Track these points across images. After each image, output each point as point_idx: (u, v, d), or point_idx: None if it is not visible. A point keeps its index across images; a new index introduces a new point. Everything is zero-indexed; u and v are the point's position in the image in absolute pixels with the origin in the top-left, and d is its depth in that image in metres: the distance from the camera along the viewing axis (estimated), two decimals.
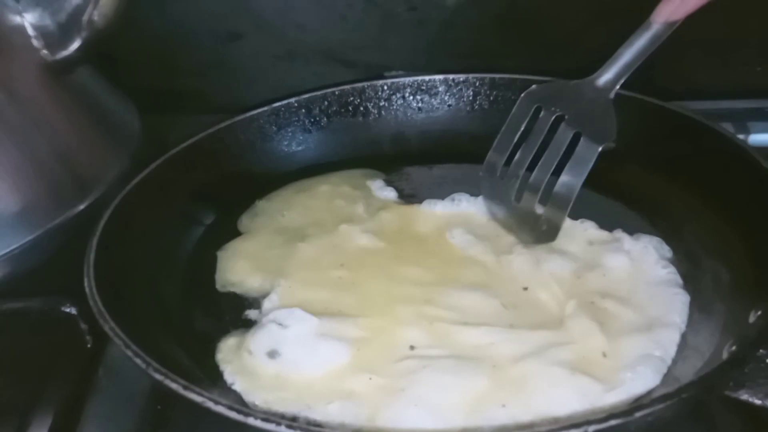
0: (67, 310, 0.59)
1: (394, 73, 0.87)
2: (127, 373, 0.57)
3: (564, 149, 0.62)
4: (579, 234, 0.65)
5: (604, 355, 0.51)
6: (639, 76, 0.94)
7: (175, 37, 0.92)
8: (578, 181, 0.60)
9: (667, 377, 0.50)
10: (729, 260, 0.59)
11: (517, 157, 0.66)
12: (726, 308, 0.54)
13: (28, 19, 0.64)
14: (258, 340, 0.55)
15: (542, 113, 0.65)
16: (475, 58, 0.94)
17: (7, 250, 0.61)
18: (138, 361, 0.47)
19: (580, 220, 0.66)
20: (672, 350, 0.52)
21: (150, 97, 0.84)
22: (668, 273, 0.59)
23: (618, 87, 0.64)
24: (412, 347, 0.54)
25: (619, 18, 0.92)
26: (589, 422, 0.39)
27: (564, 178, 0.61)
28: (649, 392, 0.49)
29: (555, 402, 0.48)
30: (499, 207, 0.68)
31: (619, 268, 0.60)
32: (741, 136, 0.92)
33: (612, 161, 0.63)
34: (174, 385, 0.44)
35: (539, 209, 0.64)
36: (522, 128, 0.66)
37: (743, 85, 0.98)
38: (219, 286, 0.64)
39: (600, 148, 0.59)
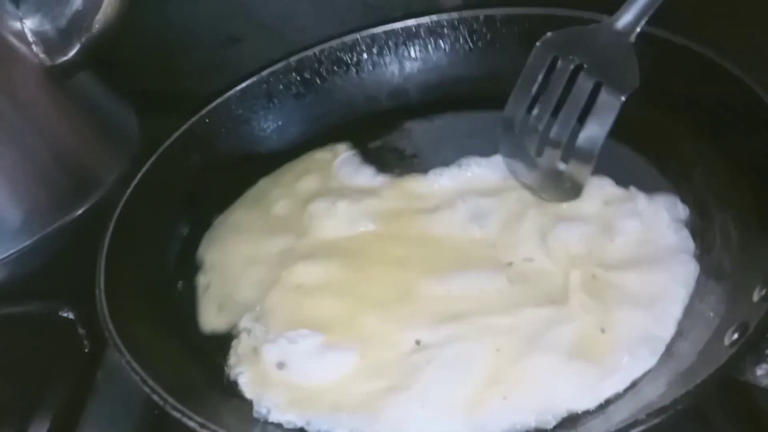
0: (65, 314, 0.59)
1: None
2: (124, 377, 0.57)
3: (585, 100, 0.58)
4: (596, 192, 0.61)
5: (603, 330, 0.51)
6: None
7: (175, 39, 0.93)
8: (602, 134, 0.56)
9: (664, 356, 0.49)
10: (738, 218, 0.55)
11: (535, 111, 0.62)
12: (732, 281, 0.52)
13: (28, 25, 0.65)
14: (268, 352, 0.55)
15: (559, 63, 0.60)
16: None
17: (7, 254, 0.62)
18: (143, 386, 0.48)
19: (597, 177, 0.62)
20: (672, 327, 0.51)
21: (149, 99, 0.84)
22: (680, 238, 0.56)
23: (639, 29, 0.58)
24: (417, 342, 0.53)
25: None
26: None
27: (586, 131, 0.57)
28: (646, 373, 0.48)
29: (554, 392, 0.48)
30: (519, 165, 0.63)
31: (630, 232, 0.57)
32: None
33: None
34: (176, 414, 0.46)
35: (562, 165, 0.60)
36: (539, 80, 0.61)
37: None
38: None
39: (624, 98, 0.56)
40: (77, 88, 0.74)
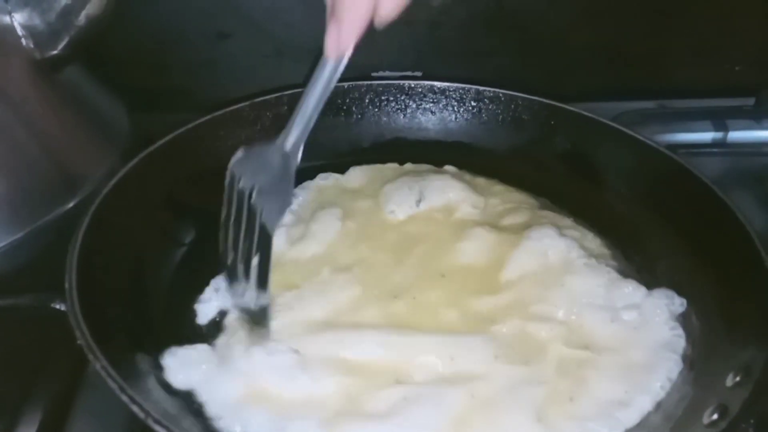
0: (57, 306, 0.59)
1: (381, 73, 0.88)
2: None
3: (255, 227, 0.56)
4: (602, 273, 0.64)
5: (571, 399, 0.54)
6: (619, 75, 0.98)
7: (165, 35, 0.93)
8: (265, 266, 0.56)
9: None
10: (700, 310, 0.61)
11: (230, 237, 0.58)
12: (700, 367, 0.56)
13: (17, 19, 0.65)
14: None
15: (241, 185, 0.57)
16: (462, 57, 0.96)
17: None
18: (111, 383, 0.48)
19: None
20: (637, 418, 0.53)
21: (139, 95, 0.84)
22: (674, 335, 0.59)
23: (302, 149, 0.59)
24: (398, 381, 0.55)
25: (605, 17, 0.96)
26: None
27: (256, 261, 0.56)
28: None
29: None
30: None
31: (626, 321, 0.60)
32: (720, 134, 0.94)
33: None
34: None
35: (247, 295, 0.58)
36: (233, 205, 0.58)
37: (723, 84, 1.00)
38: None
39: (272, 235, 0.56)
40: (67, 84, 0.74)
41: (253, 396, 0.54)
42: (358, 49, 0.91)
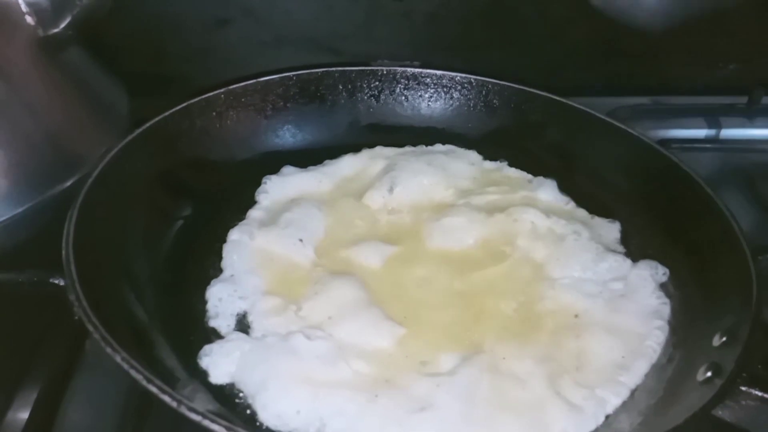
0: (56, 281, 0.59)
1: (379, 62, 0.89)
2: None
3: None
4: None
5: (577, 369, 0.56)
6: (614, 71, 0.99)
7: (164, 22, 0.93)
8: None
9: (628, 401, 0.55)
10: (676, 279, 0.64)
11: None
12: (690, 331, 0.59)
13: None
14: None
15: None
16: (460, 49, 0.97)
17: None
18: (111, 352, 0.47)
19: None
20: (637, 379, 0.56)
21: (139, 81, 0.84)
22: (660, 303, 0.62)
23: None
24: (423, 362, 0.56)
25: (602, 13, 0.97)
26: None
27: None
28: (613, 414, 0.53)
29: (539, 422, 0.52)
30: None
31: (614, 291, 0.63)
32: (713, 131, 0.96)
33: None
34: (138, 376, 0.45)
35: None
36: None
37: (717, 82, 1.01)
38: None
39: None
40: (69, 65, 0.74)
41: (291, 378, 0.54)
42: (354, 40, 0.93)
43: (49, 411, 0.58)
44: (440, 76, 0.82)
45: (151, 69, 0.92)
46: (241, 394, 0.54)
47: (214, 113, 0.75)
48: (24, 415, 0.58)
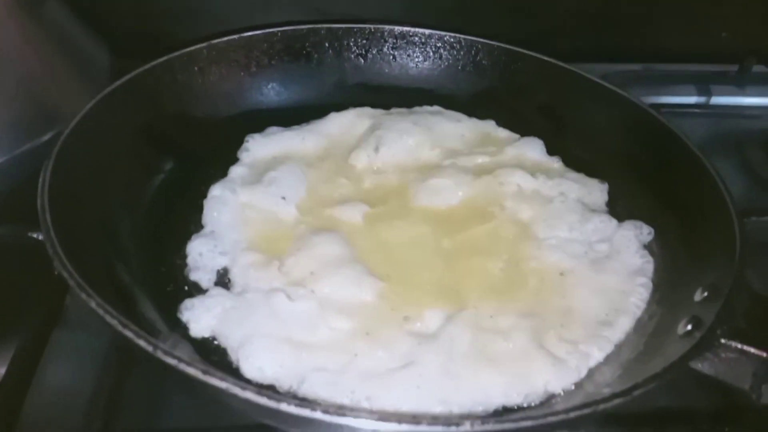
0: (35, 235, 0.58)
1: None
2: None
3: None
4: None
5: (562, 325, 0.56)
6: (607, 37, 0.98)
7: None
8: None
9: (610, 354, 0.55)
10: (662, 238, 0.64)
11: None
12: (672, 288, 0.59)
13: None
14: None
15: None
16: (452, 15, 0.95)
17: None
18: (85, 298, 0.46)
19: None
20: (621, 334, 0.56)
21: (125, 40, 0.83)
22: (644, 262, 0.62)
23: None
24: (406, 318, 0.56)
25: None
26: (597, 402, 0.42)
27: None
28: (596, 367, 0.54)
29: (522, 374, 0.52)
30: None
31: (599, 251, 0.63)
32: (703, 98, 0.95)
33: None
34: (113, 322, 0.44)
35: None
36: None
37: (708, 50, 1.00)
38: None
39: None
40: (49, 21, 0.73)
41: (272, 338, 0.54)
42: (344, 1, 0.91)
43: (27, 367, 0.57)
44: (429, 35, 0.81)
45: (137, 28, 0.90)
46: (222, 347, 0.54)
47: (196, 68, 0.73)
48: (1, 370, 0.58)
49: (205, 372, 0.39)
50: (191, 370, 0.39)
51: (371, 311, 0.56)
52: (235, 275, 0.59)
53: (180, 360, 0.40)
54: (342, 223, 0.65)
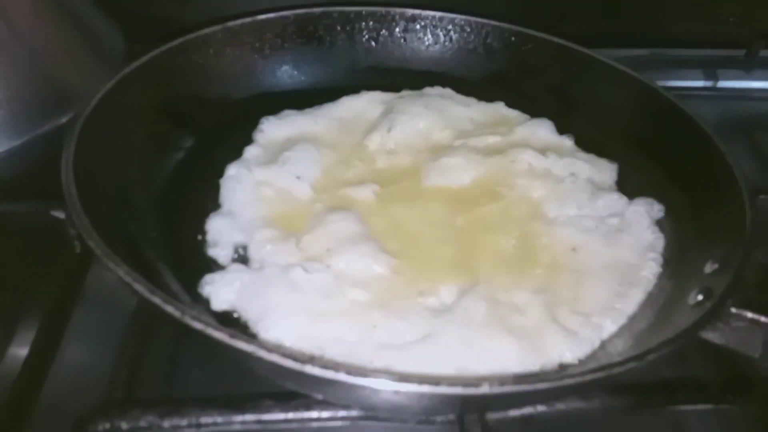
0: (56, 214, 0.59)
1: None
2: (115, 279, 0.58)
3: None
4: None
5: (575, 299, 0.57)
6: (615, 23, 0.99)
7: None
8: None
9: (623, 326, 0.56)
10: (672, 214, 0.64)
11: None
12: (683, 261, 0.60)
13: None
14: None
15: None
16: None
17: None
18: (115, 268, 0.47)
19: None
20: (633, 306, 0.57)
21: (137, 23, 0.84)
22: (655, 238, 0.63)
23: None
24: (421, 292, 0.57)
25: None
26: (611, 365, 0.43)
27: None
28: (609, 338, 0.55)
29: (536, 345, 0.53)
30: None
31: (610, 225, 0.64)
32: (710, 82, 0.96)
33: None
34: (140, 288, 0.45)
35: None
36: None
37: (715, 35, 1.01)
38: None
39: None
40: (64, 3, 0.74)
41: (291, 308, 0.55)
42: None
43: (49, 346, 0.59)
44: (439, 18, 0.81)
45: (148, 11, 0.91)
46: (242, 321, 0.55)
47: (211, 50, 0.74)
48: (24, 350, 0.59)
49: (232, 336, 0.40)
50: (218, 335, 0.40)
51: (387, 285, 0.57)
52: (252, 251, 0.60)
53: (208, 324, 0.41)
54: (356, 201, 0.66)
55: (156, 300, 0.43)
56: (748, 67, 0.98)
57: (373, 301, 0.56)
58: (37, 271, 0.64)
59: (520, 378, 0.46)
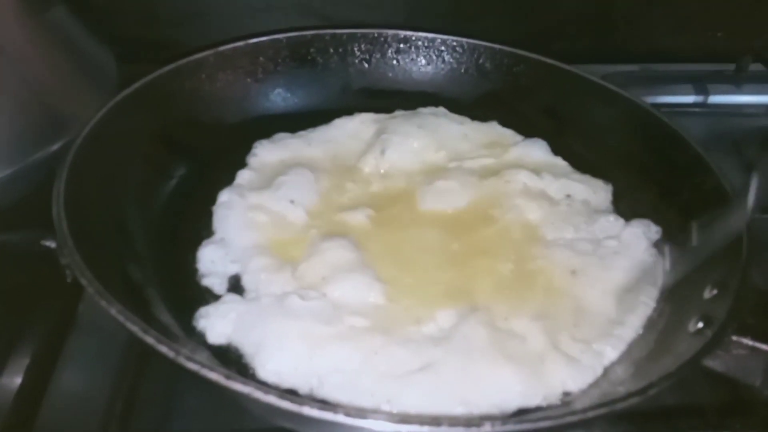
0: (48, 243, 0.59)
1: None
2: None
3: None
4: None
5: (575, 325, 0.57)
6: (605, 39, 0.99)
7: None
8: None
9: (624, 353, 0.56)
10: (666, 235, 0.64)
11: None
12: (681, 286, 0.59)
13: None
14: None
15: None
16: (452, 18, 0.96)
17: None
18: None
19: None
20: (632, 333, 0.57)
21: (129, 46, 0.83)
22: (652, 260, 0.63)
23: None
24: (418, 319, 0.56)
25: None
26: (614, 401, 0.43)
27: None
28: (610, 365, 0.54)
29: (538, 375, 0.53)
30: None
31: (608, 248, 0.64)
32: (700, 97, 0.96)
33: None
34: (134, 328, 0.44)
35: None
36: None
37: (704, 49, 1.02)
38: None
39: None
40: (56, 27, 0.73)
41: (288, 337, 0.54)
42: (346, 6, 0.92)
43: (42, 375, 0.58)
44: (432, 39, 0.82)
45: (141, 34, 0.91)
46: (239, 353, 0.54)
47: (203, 75, 0.74)
48: (17, 379, 0.58)
49: (227, 377, 0.40)
50: (213, 376, 0.40)
51: (384, 313, 0.57)
52: (247, 281, 0.60)
53: (202, 365, 0.40)
54: (351, 227, 0.65)
55: (149, 340, 0.42)
56: (738, 81, 0.98)
57: (371, 329, 0.55)
58: (31, 299, 0.64)
59: (522, 418, 0.45)
